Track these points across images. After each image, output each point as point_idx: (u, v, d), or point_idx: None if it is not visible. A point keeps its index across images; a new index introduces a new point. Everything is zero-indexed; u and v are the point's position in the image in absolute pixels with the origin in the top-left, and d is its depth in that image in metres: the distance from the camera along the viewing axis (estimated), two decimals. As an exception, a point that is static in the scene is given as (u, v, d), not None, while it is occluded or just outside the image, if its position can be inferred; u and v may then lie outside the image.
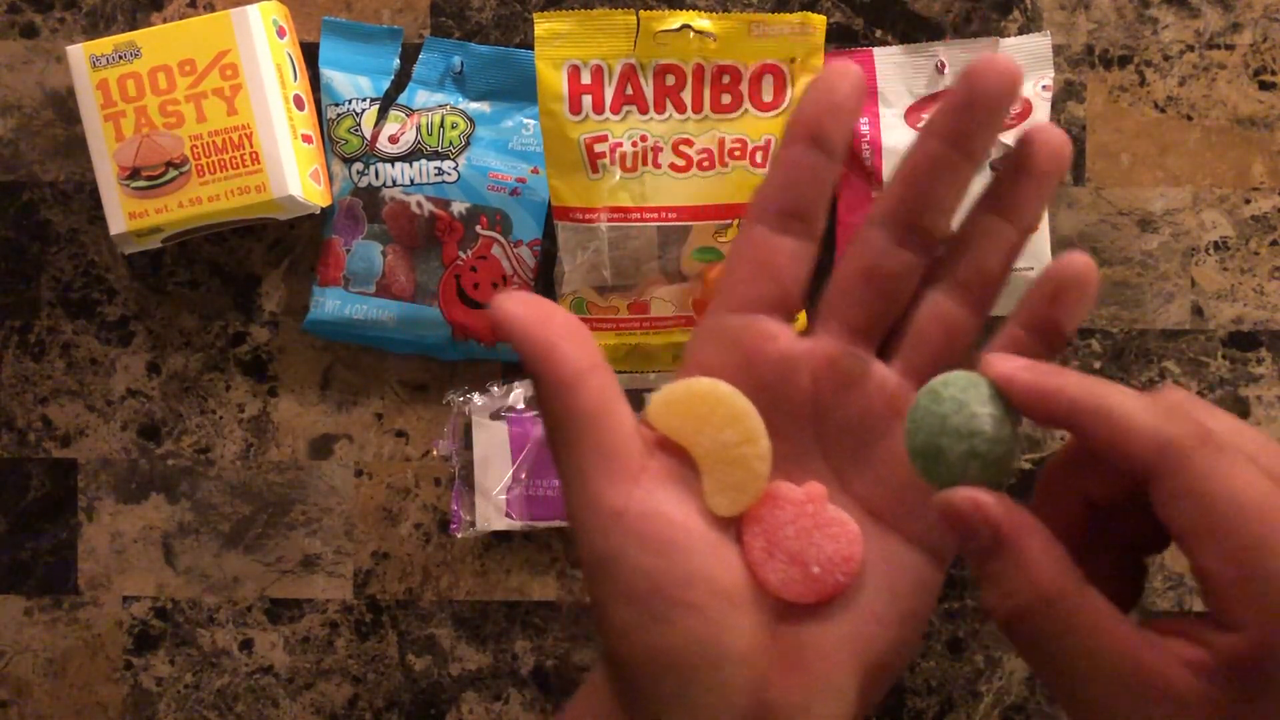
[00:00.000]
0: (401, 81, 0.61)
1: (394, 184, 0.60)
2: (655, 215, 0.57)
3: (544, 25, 0.55)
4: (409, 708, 0.62)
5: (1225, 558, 0.25)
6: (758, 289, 0.31)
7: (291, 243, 0.62)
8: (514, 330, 0.29)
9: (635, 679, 0.29)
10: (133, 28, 0.61)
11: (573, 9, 0.57)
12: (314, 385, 0.62)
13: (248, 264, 0.62)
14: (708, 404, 0.30)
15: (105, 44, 0.57)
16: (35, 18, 0.62)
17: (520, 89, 0.60)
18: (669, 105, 0.56)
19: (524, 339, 0.29)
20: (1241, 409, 0.62)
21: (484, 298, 0.60)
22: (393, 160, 0.60)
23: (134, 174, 0.57)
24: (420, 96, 0.61)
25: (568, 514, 0.30)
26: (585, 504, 0.29)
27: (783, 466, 0.30)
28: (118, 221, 0.57)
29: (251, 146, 0.57)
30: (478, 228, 0.60)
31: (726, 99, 0.56)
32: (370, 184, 0.60)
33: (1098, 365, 0.61)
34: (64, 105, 0.62)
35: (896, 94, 0.60)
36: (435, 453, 0.62)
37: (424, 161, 0.60)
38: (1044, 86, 0.60)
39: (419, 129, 0.60)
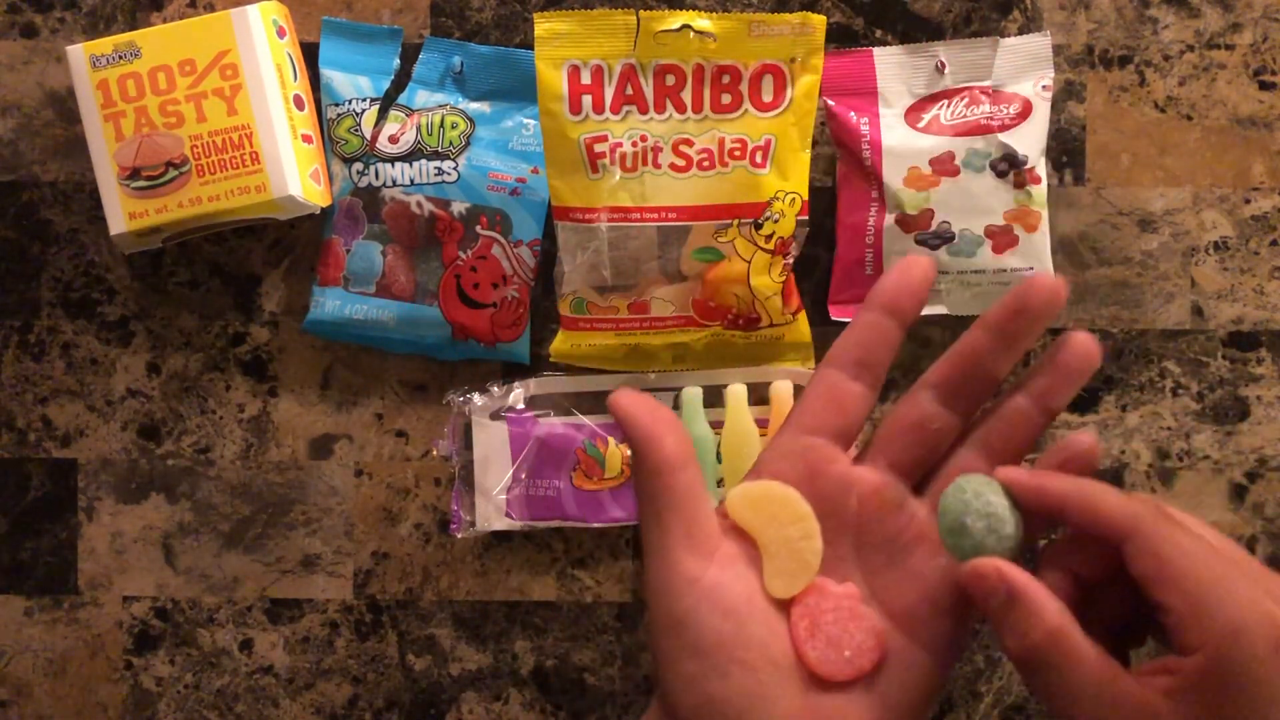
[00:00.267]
0: (401, 81, 0.61)
1: (394, 184, 0.60)
2: (655, 215, 0.57)
3: (544, 25, 0.55)
4: (409, 708, 0.62)
5: (1181, 596, 0.32)
6: (827, 419, 0.37)
7: (291, 243, 0.62)
8: (628, 420, 0.36)
9: None
10: (133, 28, 0.61)
11: (573, 9, 0.57)
12: (314, 385, 0.62)
13: (248, 264, 0.62)
14: (777, 503, 0.37)
15: (105, 44, 0.57)
16: (35, 18, 0.62)
17: (520, 89, 0.60)
18: (669, 105, 0.56)
19: (635, 428, 0.36)
20: (1241, 409, 0.62)
21: (484, 298, 0.60)
22: (393, 160, 0.60)
23: (134, 174, 0.57)
24: (420, 96, 0.61)
25: (647, 578, 0.36)
26: (667, 571, 0.36)
27: (825, 566, 0.37)
28: (118, 221, 0.57)
29: (251, 146, 0.57)
30: (478, 228, 0.60)
31: (726, 99, 0.56)
32: (370, 184, 0.60)
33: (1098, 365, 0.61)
34: (64, 105, 0.62)
35: (896, 94, 0.60)
36: (435, 453, 0.62)
37: (424, 161, 0.60)
38: (1044, 86, 0.60)
39: (419, 129, 0.60)
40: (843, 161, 0.60)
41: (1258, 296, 0.61)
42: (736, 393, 0.59)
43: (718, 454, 0.59)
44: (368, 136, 0.60)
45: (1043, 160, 0.59)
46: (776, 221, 0.57)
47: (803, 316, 0.60)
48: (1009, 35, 0.61)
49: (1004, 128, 0.59)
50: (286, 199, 0.57)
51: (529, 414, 0.61)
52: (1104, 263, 0.62)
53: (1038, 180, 0.59)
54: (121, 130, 0.57)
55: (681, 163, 0.56)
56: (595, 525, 0.61)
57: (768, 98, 0.56)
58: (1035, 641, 0.33)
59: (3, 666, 0.63)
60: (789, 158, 0.57)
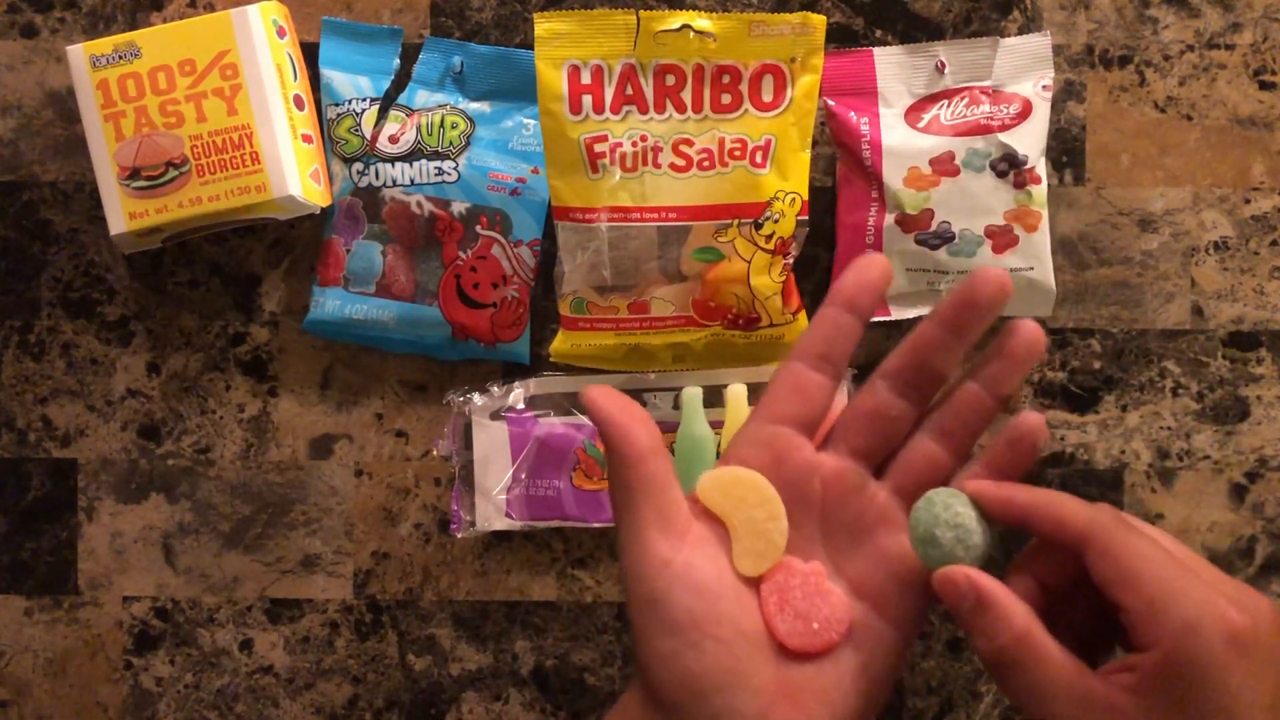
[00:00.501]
0: (401, 81, 0.61)
1: (394, 184, 0.60)
2: (655, 215, 0.57)
3: (544, 25, 0.55)
4: (409, 708, 0.62)
5: (1137, 596, 0.34)
6: (791, 409, 0.39)
7: (291, 243, 0.62)
8: (600, 415, 0.38)
9: (668, 699, 0.37)
10: (133, 28, 0.61)
11: (573, 9, 0.57)
12: (314, 385, 0.62)
13: (248, 264, 0.62)
14: (745, 487, 0.39)
15: (105, 44, 0.57)
16: (35, 18, 0.62)
17: (520, 89, 0.60)
18: (669, 105, 0.56)
19: (608, 423, 0.38)
20: (1241, 409, 0.62)
21: (484, 298, 0.60)
22: (393, 160, 0.60)
23: (134, 174, 0.57)
24: (420, 96, 0.61)
25: (622, 562, 0.38)
26: (641, 553, 0.37)
27: (792, 547, 0.39)
28: (118, 221, 0.57)
29: (251, 146, 0.57)
30: (478, 228, 0.60)
31: (726, 99, 0.56)
32: (370, 184, 0.60)
33: (1098, 365, 0.61)
34: (64, 105, 0.62)
35: (896, 94, 0.60)
36: (435, 453, 0.62)
37: (424, 161, 0.60)
38: (1044, 86, 0.60)
39: (419, 129, 0.60)
40: (843, 161, 0.60)
41: (1258, 296, 0.61)
42: (736, 393, 0.59)
43: (717, 454, 0.59)
44: (368, 136, 0.60)
45: (1043, 160, 0.59)
46: (776, 221, 0.57)
47: (803, 316, 0.60)
48: (1009, 35, 0.61)
49: (1004, 128, 0.59)
50: (286, 199, 0.57)
51: (529, 414, 0.61)
52: (1104, 263, 0.62)
53: (1038, 180, 0.59)
54: (121, 130, 0.57)
55: (681, 163, 0.56)
56: (595, 525, 0.61)
57: (768, 98, 0.56)
58: (1004, 644, 0.35)
59: (3, 666, 0.63)
60: (789, 158, 0.57)
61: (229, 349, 0.62)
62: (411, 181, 0.60)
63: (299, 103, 0.59)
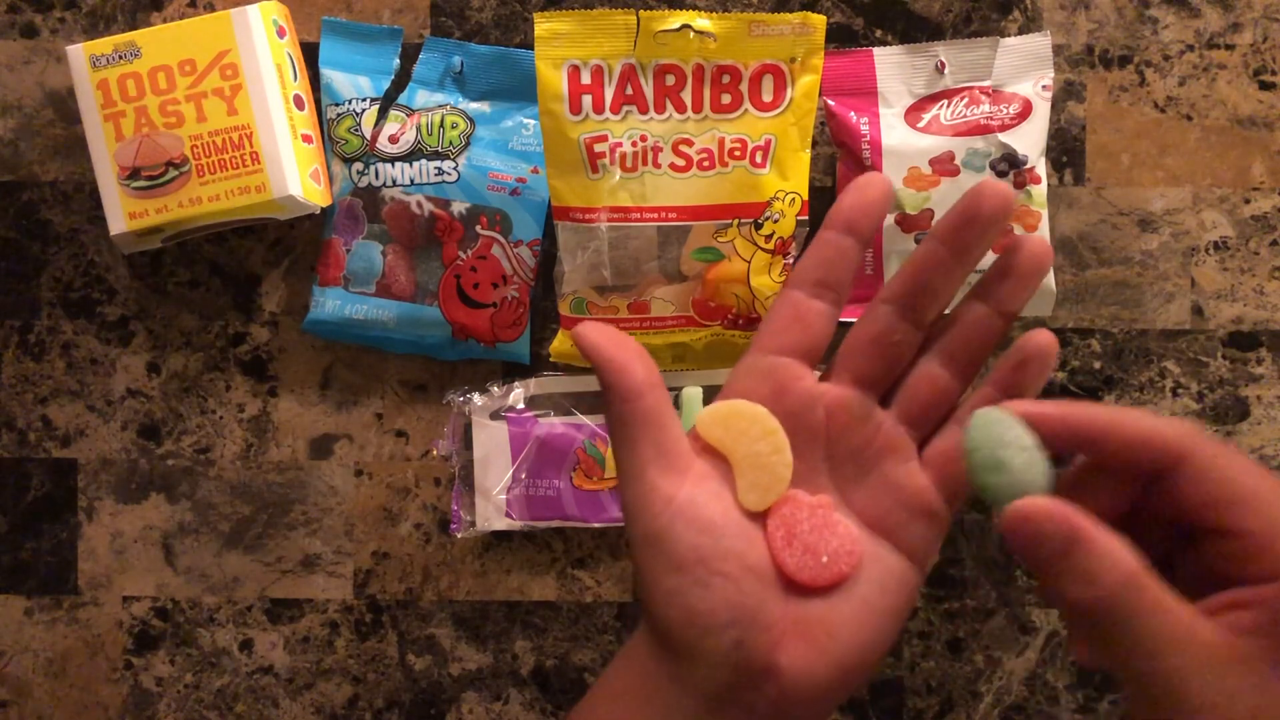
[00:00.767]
0: (401, 81, 0.61)
1: (394, 184, 0.60)
2: (655, 215, 0.57)
3: (544, 25, 0.55)
4: (409, 708, 0.62)
5: (1257, 517, 0.30)
6: (791, 338, 0.38)
7: (291, 243, 0.62)
8: (594, 350, 0.36)
9: (674, 638, 0.35)
10: (133, 28, 0.61)
11: (573, 9, 0.57)
12: (314, 385, 0.62)
13: (248, 264, 0.62)
14: (747, 420, 0.37)
15: (105, 44, 0.57)
16: (35, 18, 0.62)
17: (520, 89, 0.60)
18: (669, 105, 0.56)
19: (602, 357, 0.36)
20: (1241, 409, 0.62)
21: (484, 298, 0.60)
22: (393, 160, 0.60)
23: (134, 174, 0.57)
24: (420, 96, 0.61)
25: (623, 501, 0.37)
26: (642, 491, 0.36)
27: (798, 480, 0.37)
28: (118, 221, 0.57)
29: (251, 146, 0.57)
30: (478, 228, 0.60)
31: (726, 99, 0.56)
32: (370, 184, 0.60)
33: (1098, 365, 0.61)
34: (64, 105, 0.62)
35: (896, 94, 0.60)
36: (435, 453, 0.62)
37: (424, 161, 0.60)
38: (1044, 86, 0.60)
39: (419, 129, 0.60)
40: (843, 161, 0.60)
41: (1258, 296, 0.61)
42: (691, 395, 0.59)
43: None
44: (368, 136, 0.60)
45: (1043, 160, 0.59)
46: (776, 221, 0.57)
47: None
48: (1009, 35, 0.61)
49: (1004, 128, 0.59)
50: (286, 199, 0.57)
51: (529, 414, 0.61)
52: (1104, 263, 0.62)
53: (1038, 180, 0.59)
54: (121, 130, 0.57)
55: (681, 163, 0.56)
56: (595, 525, 0.61)
57: (768, 98, 0.56)
58: (1108, 590, 0.31)
59: (3, 666, 0.63)
60: (789, 158, 0.57)
61: (229, 349, 0.62)
62: (411, 181, 0.60)
63: (299, 103, 0.59)
